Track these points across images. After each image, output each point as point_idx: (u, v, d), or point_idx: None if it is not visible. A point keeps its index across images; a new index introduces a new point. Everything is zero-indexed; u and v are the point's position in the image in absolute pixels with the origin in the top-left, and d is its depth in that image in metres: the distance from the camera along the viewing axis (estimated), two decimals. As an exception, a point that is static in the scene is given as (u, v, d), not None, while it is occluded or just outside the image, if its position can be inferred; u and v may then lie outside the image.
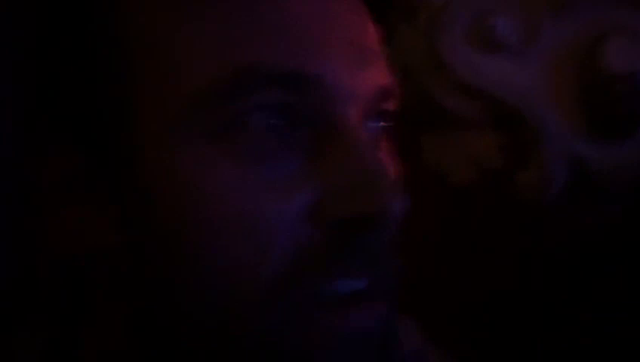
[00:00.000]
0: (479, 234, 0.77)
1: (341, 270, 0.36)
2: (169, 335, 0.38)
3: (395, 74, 0.42)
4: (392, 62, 0.42)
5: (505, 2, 0.72)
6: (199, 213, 0.35)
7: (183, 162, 0.36)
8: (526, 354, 0.77)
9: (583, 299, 0.76)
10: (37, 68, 0.39)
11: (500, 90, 0.72)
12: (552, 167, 0.71)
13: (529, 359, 0.77)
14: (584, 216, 0.73)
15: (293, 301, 0.36)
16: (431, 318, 0.54)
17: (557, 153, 0.70)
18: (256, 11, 0.36)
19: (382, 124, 0.41)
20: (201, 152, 0.36)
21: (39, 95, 0.39)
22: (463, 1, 0.72)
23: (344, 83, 0.38)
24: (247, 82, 0.35)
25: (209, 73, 0.35)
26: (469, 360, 0.70)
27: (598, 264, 0.75)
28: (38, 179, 0.38)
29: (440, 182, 0.76)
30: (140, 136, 0.37)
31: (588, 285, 0.76)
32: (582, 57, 0.71)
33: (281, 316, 0.36)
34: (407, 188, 0.39)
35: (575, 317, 0.76)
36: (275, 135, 0.36)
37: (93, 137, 0.38)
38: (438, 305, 0.75)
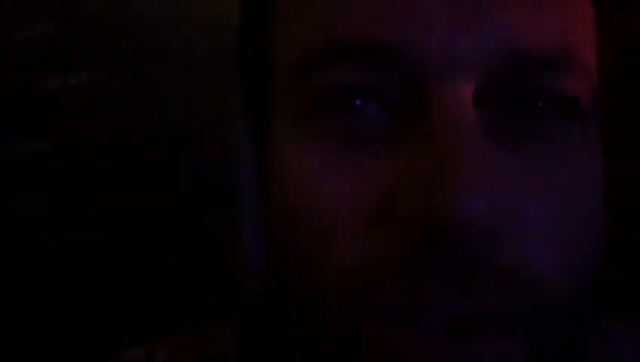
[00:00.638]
0: None
1: (426, 287, 0.28)
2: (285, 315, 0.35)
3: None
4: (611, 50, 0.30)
5: None
6: (284, 200, 0.32)
7: (276, 145, 0.33)
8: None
9: None
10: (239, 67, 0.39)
11: None
12: None
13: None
14: None
15: (369, 315, 0.29)
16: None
17: None
18: None
19: (537, 102, 0.30)
20: (287, 135, 0.32)
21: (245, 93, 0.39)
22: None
23: (441, 49, 0.29)
24: (320, 59, 0.30)
25: (293, 53, 0.32)
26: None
27: None
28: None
29: None
30: (267, 123, 0.35)
31: None
32: None
33: (359, 327, 0.30)
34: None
35: None
36: (356, 119, 0.30)
37: (257, 128, 0.37)
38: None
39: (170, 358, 0.43)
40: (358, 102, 0.30)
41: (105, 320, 1.03)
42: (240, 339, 0.41)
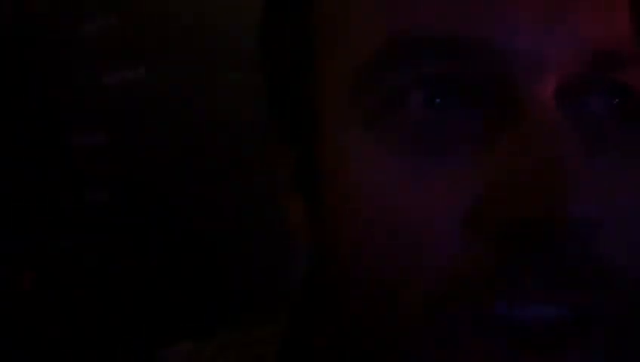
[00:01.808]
0: None
1: (517, 291, 0.29)
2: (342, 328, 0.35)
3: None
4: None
5: None
6: (354, 206, 0.31)
7: (344, 151, 0.32)
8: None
9: None
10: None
11: None
12: None
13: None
14: None
15: (456, 320, 0.29)
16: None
17: None
18: None
19: (613, 101, 0.30)
20: (359, 139, 0.31)
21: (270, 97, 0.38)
22: None
23: (526, 46, 0.29)
24: (399, 53, 0.30)
25: (364, 48, 0.31)
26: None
27: None
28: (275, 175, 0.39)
29: None
30: (318, 128, 0.34)
31: None
32: None
33: (442, 336, 0.30)
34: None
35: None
36: (439, 117, 0.30)
37: (295, 133, 0.36)
38: None
39: (218, 353, 0.42)
40: (439, 99, 0.30)
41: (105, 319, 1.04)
42: (282, 339, 0.41)
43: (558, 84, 0.29)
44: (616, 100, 0.30)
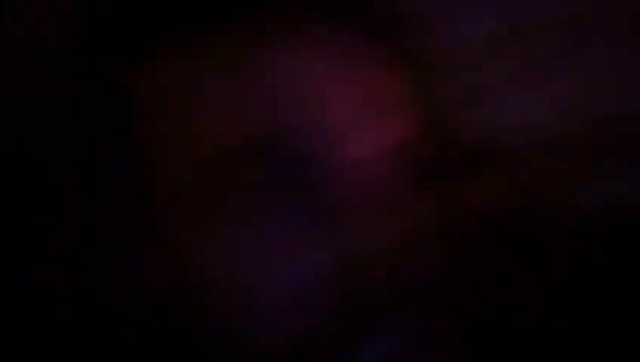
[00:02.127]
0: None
1: (360, 341, 0.35)
2: None
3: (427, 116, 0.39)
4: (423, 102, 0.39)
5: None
6: (214, 273, 0.36)
7: (193, 227, 0.36)
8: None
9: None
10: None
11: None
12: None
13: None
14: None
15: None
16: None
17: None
18: (256, 82, 0.36)
19: (410, 172, 0.38)
20: (204, 220, 0.36)
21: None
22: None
23: (351, 144, 0.36)
24: (237, 155, 0.35)
25: (203, 146, 0.36)
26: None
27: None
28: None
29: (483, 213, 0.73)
30: (153, 200, 0.38)
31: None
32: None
33: None
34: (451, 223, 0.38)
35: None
36: (283, 201, 0.35)
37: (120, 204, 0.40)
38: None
39: None
40: (278, 188, 0.35)
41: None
42: None
43: (379, 167, 0.36)
44: (411, 172, 0.39)
